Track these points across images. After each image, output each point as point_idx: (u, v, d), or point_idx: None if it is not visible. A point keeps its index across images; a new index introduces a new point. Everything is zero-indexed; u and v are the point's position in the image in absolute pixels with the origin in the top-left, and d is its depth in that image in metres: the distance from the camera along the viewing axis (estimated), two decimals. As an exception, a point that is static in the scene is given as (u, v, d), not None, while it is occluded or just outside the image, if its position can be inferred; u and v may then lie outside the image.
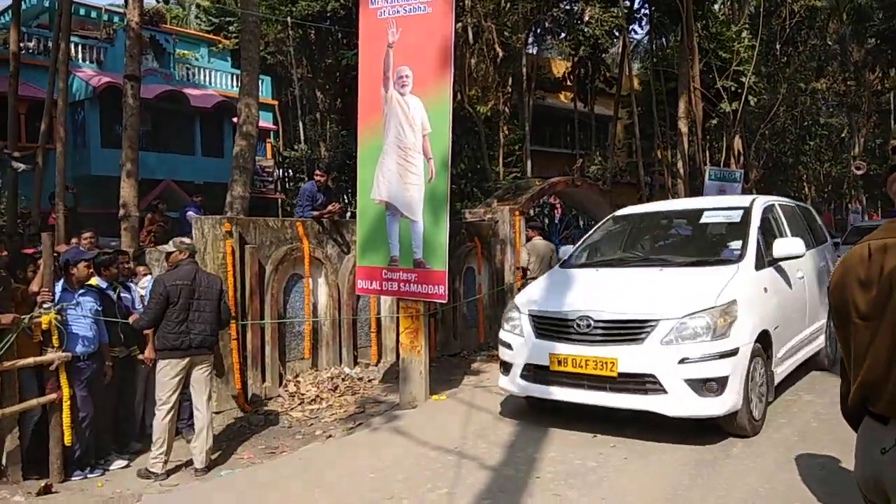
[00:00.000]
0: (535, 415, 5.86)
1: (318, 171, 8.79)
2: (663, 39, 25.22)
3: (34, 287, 5.34)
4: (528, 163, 22.63)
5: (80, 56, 18.67)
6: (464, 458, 4.92)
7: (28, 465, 5.16)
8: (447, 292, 6.51)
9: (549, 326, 5.36)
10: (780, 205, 6.84)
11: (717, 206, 6.60)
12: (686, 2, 18.62)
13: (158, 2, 18.67)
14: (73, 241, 7.52)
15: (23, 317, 4.97)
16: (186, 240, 5.74)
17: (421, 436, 5.52)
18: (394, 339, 8.08)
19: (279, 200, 21.02)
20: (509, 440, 5.28)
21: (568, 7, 23.82)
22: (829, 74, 25.02)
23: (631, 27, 24.32)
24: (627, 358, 4.90)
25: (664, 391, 4.81)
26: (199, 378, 5.39)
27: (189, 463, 5.42)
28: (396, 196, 6.61)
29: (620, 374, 4.91)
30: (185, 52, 22.31)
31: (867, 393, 2.01)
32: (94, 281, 5.74)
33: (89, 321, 5.41)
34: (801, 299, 6.26)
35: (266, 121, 21.00)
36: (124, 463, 5.64)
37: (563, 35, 24.79)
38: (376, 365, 8.18)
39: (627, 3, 22.92)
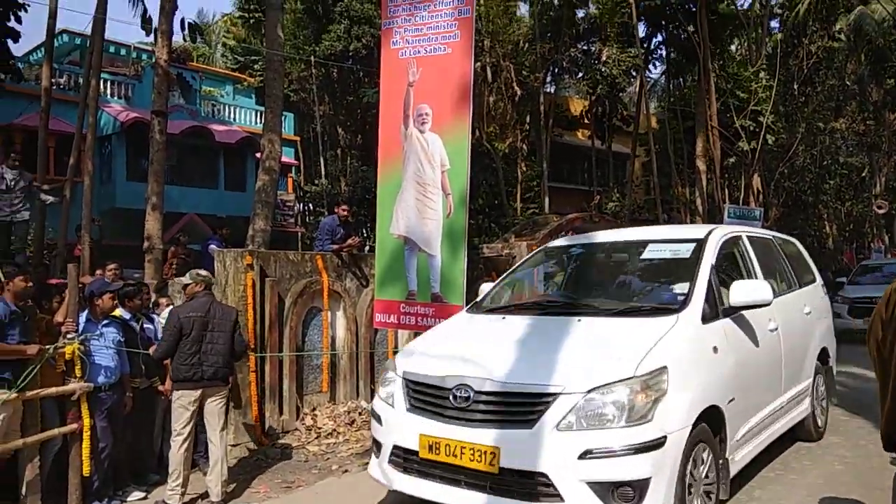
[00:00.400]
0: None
1: (343, 206, 8.91)
2: (680, 79, 25.42)
3: (59, 317, 5.43)
4: (546, 199, 22.74)
5: (108, 92, 19.19)
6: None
7: (46, 496, 5.19)
8: (465, 327, 6.53)
9: (424, 395, 4.06)
10: (749, 237, 5.55)
11: (665, 239, 5.30)
12: (703, 43, 18.83)
13: (186, 40, 19.21)
14: (98, 272, 7.66)
15: (47, 347, 5.06)
16: (202, 272, 5.82)
17: (437, 472, 5.50)
18: (411, 374, 8.07)
19: (299, 234, 21.24)
20: (526, 478, 5.25)
21: (585, 47, 24.17)
22: (847, 114, 25.00)
23: (649, 65, 24.60)
24: (513, 447, 3.59)
25: (559, 498, 3.49)
26: (213, 410, 5.41)
27: (205, 495, 5.43)
28: (415, 231, 6.68)
29: (503, 471, 3.59)
30: (211, 89, 22.87)
31: (889, 430, 2.01)
32: (118, 312, 5.83)
33: (112, 352, 5.49)
34: (773, 358, 4.98)
35: (288, 156, 21.35)
36: (142, 495, 5.65)
37: (580, 74, 25.11)
38: (393, 400, 8.16)
39: (645, 44, 23.21)
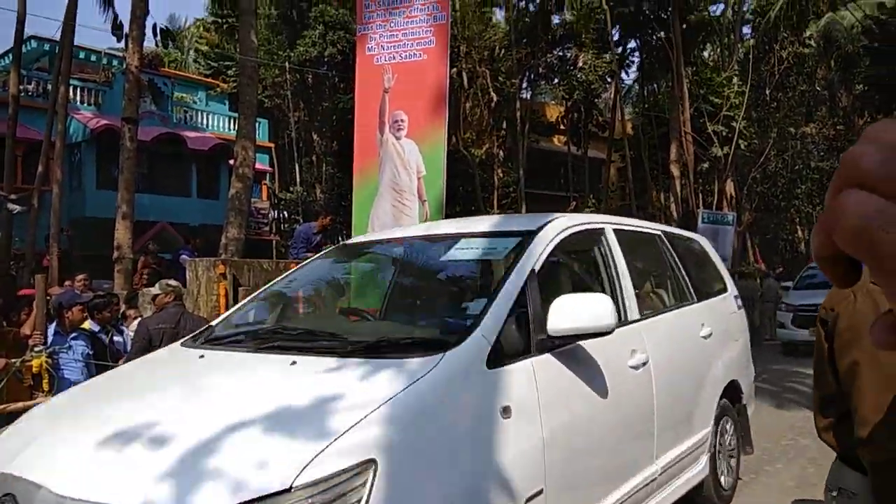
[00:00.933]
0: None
1: (329, 217, 9.02)
2: (654, 85, 25.70)
3: (26, 330, 5.30)
4: (523, 205, 22.81)
5: (78, 98, 18.88)
6: None
7: (12, 514, 5.05)
8: (442, 335, 6.47)
9: None
10: (617, 231, 3.76)
11: (483, 232, 3.54)
12: (676, 49, 19.05)
13: (158, 46, 19.00)
14: (67, 283, 7.50)
15: (14, 360, 4.92)
16: (172, 282, 5.72)
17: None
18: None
19: (274, 242, 21.06)
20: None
21: (561, 53, 24.36)
22: (818, 119, 25.43)
23: (624, 71, 24.85)
24: None
25: None
26: None
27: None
28: (391, 239, 6.63)
29: None
30: (184, 95, 22.61)
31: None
32: (87, 324, 5.70)
33: (80, 365, 5.36)
34: (635, 409, 3.28)
35: (262, 163, 21.19)
36: (111, 511, 5.52)
37: (556, 80, 25.27)
38: (370, 409, 8.08)
39: (619, 50, 23.44)
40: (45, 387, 5.03)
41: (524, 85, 25.93)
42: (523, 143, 23.83)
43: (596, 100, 25.40)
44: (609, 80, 23.56)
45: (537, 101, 28.62)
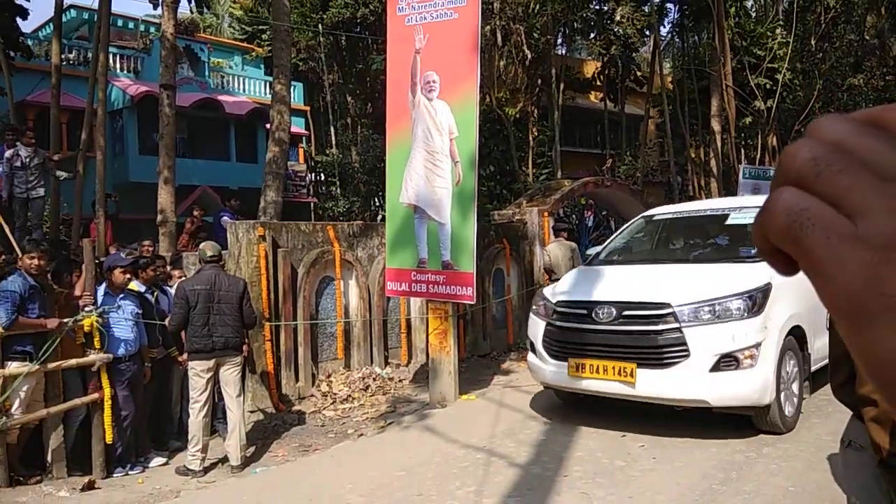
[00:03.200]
0: (564, 413, 5.90)
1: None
2: (695, 37, 24.98)
3: (77, 291, 5.56)
4: (559, 163, 22.59)
5: (118, 66, 19.18)
6: (492, 456, 4.98)
7: (72, 463, 5.37)
8: (475, 293, 6.58)
9: None
10: None
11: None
12: (716, 0, 18.43)
13: (193, 12, 19.12)
14: (113, 246, 7.79)
15: (67, 320, 5.18)
16: (211, 244, 5.91)
17: (450, 434, 5.60)
18: (424, 340, 8.18)
19: (311, 204, 21.31)
20: (538, 439, 5.33)
21: (598, 7, 23.76)
22: (866, 70, 24.47)
23: (663, 24, 24.15)
24: None
25: None
26: (228, 378, 5.54)
27: (225, 460, 5.58)
28: (424, 199, 6.70)
29: None
30: (220, 60, 22.76)
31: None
32: (134, 285, 5.95)
33: (130, 324, 5.61)
34: None
35: (298, 126, 21.32)
36: (163, 460, 5.82)
37: (592, 35, 24.71)
38: (407, 365, 8.28)
39: (658, 2, 22.77)
40: (97, 344, 5.29)
41: (559, 41, 25.42)
42: (559, 100, 23.48)
43: (633, 54, 24.80)
44: (647, 33, 22.94)
45: (573, 58, 28.05)
